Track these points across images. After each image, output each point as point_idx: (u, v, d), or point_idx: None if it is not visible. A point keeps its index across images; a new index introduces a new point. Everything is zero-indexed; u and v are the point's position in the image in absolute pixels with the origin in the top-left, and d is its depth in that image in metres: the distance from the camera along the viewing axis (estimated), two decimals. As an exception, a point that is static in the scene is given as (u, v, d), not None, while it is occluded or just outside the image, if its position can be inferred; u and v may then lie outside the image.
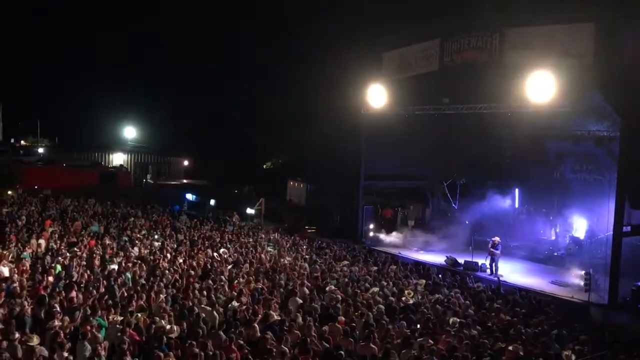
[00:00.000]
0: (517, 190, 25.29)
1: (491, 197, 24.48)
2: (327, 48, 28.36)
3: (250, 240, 21.88)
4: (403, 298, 14.66)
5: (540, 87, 17.70)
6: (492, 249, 20.06)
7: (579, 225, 22.47)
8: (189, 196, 35.18)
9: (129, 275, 14.62)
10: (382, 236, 25.78)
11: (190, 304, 12.28)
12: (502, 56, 19.23)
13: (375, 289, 15.12)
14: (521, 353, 10.67)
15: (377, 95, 23.22)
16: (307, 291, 14.37)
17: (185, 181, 43.60)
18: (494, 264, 20.01)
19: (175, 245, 19.29)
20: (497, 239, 20.20)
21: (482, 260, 20.79)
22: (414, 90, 22.55)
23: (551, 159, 23.08)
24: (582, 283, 17.74)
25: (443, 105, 21.85)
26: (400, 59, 23.58)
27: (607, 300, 16.51)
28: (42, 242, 17.83)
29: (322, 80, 27.90)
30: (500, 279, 18.99)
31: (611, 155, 18.58)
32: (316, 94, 28.93)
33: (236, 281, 15.00)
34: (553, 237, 23.16)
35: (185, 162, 49.38)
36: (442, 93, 21.91)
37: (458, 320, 12.91)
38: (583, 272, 17.76)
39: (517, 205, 25.30)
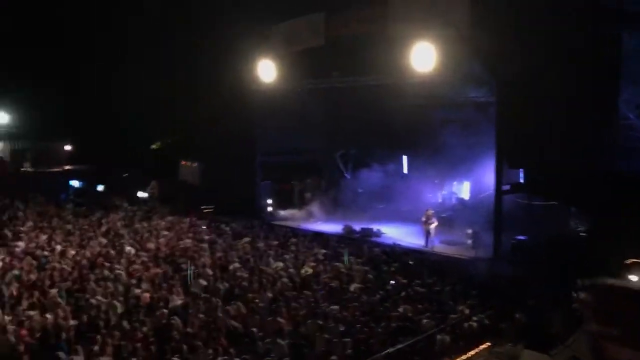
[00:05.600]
0: (404, 158, 26.41)
1: (381, 165, 25.41)
2: (212, 21, 27.59)
3: (145, 224, 21.17)
4: (305, 269, 14.96)
5: (423, 57, 18.43)
6: (427, 224, 19.68)
7: (463, 187, 23.94)
8: (75, 183, 33.30)
9: (16, 272, 13.68)
10: (281, 211, 26.01)
11: (87, 296, 11.78)
12: (386, 28, 19.72)
13: (279, 264, 15.28)
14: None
15: (266, 70, 23.05)
16: (209, 272, 14.24)
17: (68, 167, 41.10)
18: (429, 237, 19.67)
19: (64, 236, 18.28)
20: (430, 211, 19.99)
21: (377, 227, 21.65)
22: (303, 64, 22.57)
23: (435, 126, 24.15)
24: (469, 241, 18.99)
25: (333, 79, 22.19)
26: (287, 32, 23.51)
27: (492, 255, 17.80)
28: None
29: (209, 56, 27.20)
30: (395, 242, 19.88)
31: (489, 119, 19.82)
32: (204, 70, 28.17)
33: (133, 268, 14.52)
34: (440, 200, 24.48)
35: (68, 147, 46.43)
36: (331, 67, 22.20)
37: (359, 286, 13.41)
38: (469, 231, 19.01)
39: (405, 172, 26.43)
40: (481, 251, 18.10)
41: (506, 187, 18.30)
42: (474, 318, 11.05)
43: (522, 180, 19.31)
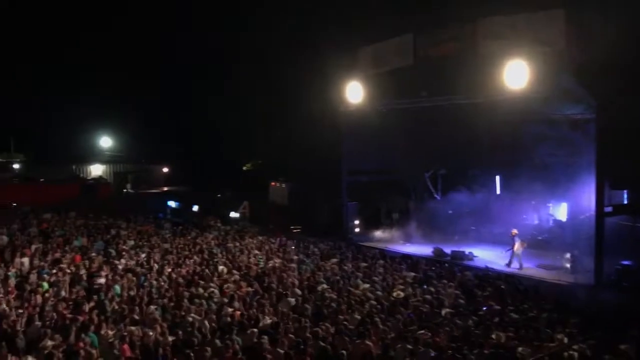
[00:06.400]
0: (497, 178, 25.56)
1: (472, 185, 24.74)
2: (302, 45, 28.27)
3: (237, 244, 21.77)
4: (394, 292, 14.74)
5: (515, 75, 17.92)
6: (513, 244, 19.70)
7: (561, 208, 22.80)
8: (171, 203, 34.92)
9: (117, 288, 14.46)
10: (368, 231, 25.90)
11: (183, 313, 12.21)
12: (477, 46, 19.37)
13: (367, 285, 15.17)
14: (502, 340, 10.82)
15: (354, 92, 23.27)
16: (298, 292, 14.37)
17: (166, 188, 43.22)
18: (512, 257, 19.64)
19: (162, 254, 19.15)
20: (514, 230, 19.91)
21: (469, 249, 21.04)
22: (391, 85, 22.58)
23: (528, 144, 23.22)
24: (567, 265, 18.01)
25: (421, 98, 21.98)
26: (374, 54, 23.65)
27: (593, 281, 16.79)
28: (25, 260, 17.51)
29: (298, 79, 27.85)
30: (488, 266, 19.21)
31: (587, 137, 18.85)
32: (294, 92, 28.88)
33: (226, 286, 14.92)
34: (536, 222, 23.45)
35: (165, 169, 48.96)
36: (419, 86, 22.01)
37: (450, 311, 13.02)
38: (568, 255, 18.03)
39: (498, 192, 25.57)
40: (581, 276, 17.14)
41: (608, 209, 17.25)
42: (574, 347, 10.39)
43: (625, 202, 18.18)
